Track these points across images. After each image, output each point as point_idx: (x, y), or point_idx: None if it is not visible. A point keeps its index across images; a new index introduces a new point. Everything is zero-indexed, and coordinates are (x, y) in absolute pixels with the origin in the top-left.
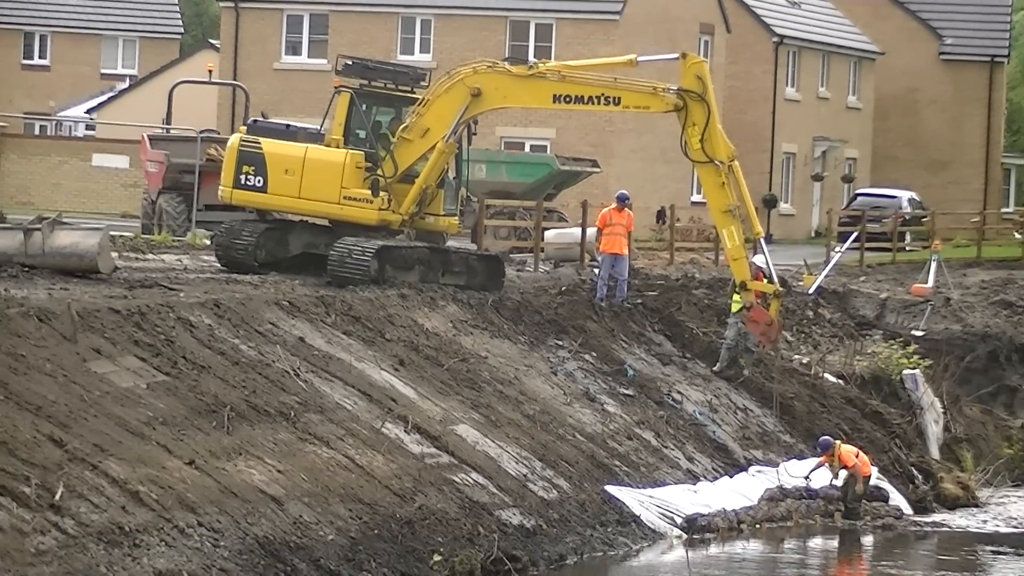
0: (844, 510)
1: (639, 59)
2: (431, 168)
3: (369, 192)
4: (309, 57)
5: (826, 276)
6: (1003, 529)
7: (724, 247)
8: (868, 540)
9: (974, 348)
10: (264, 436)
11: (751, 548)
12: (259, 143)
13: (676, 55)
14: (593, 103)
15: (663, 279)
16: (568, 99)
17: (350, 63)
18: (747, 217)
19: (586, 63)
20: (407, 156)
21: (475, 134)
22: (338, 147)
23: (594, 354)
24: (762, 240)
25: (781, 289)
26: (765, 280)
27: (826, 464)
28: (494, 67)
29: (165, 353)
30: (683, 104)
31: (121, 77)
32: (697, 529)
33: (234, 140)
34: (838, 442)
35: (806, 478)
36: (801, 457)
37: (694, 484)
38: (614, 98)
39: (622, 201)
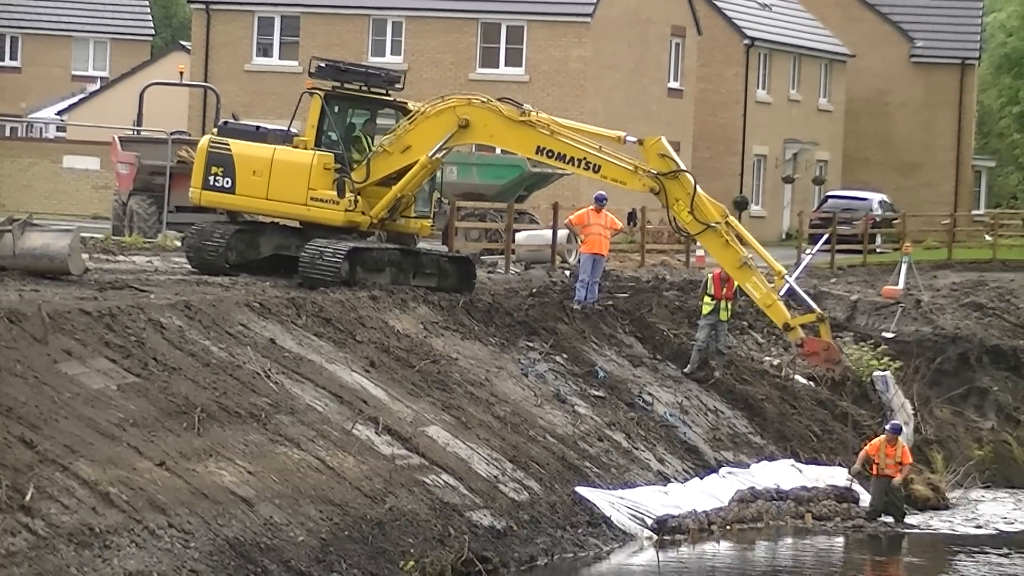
0: (891, 512)
1: (626, 139)
2: (410, 179)
3: (335, 193)
4: (280, 59)
5: (797, 278)
6: (973, 531)
7: (753, 299)
8: (839, 541)
9: (945, 350)
10: (235, 438)
11: (722, 549)
12: (228, 144)
13: (636, 139)
14: (573, 164)
15: (634, 281)
16: (551, 154)
17: (323, 65)
18: (764, 260)
19: (576, 126)
20: (383, 167)
21: None
22: (307, 149)
23: (565, 356)
24: (787, 276)
25: (822, 312)
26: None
27: (879, 453)
28: (488, 103)
29: (136, 355)
30: (660, 187)
31: (92, 79)
32: (668, 530)
33: (204, 142)
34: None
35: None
36: (772, 459)
37: (665, 485)
38: (595, 165)
39: (600, 202)
